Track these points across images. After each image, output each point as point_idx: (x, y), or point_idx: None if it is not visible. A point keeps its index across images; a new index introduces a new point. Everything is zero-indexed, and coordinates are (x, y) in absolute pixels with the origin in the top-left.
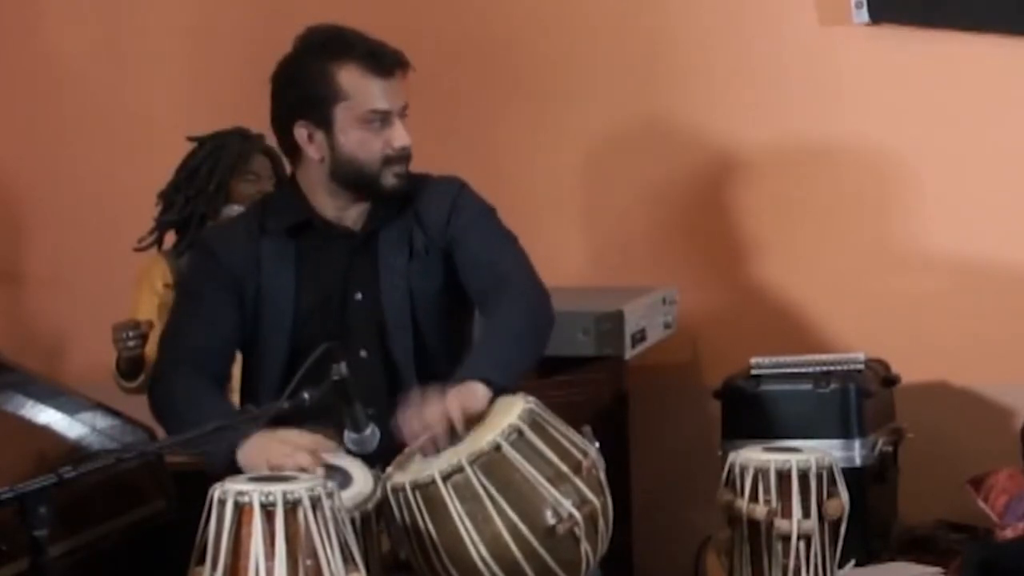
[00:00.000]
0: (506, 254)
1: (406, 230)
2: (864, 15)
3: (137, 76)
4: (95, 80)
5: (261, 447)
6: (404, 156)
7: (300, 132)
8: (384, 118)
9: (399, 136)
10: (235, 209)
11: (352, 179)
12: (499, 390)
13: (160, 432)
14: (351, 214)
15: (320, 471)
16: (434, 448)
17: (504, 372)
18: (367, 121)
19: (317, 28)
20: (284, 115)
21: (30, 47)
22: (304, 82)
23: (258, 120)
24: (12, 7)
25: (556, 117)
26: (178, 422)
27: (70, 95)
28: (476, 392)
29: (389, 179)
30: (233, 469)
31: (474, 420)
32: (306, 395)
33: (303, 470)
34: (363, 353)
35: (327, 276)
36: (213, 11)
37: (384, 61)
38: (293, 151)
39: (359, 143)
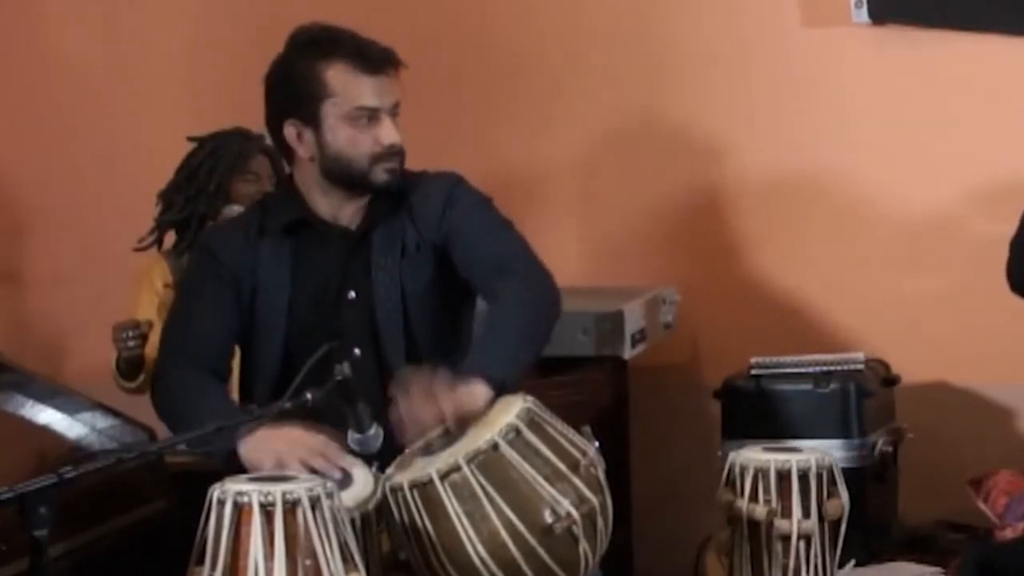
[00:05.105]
0: (505, 241)
1: (399, 228)
2: (864, 15)
3: (137, 76)
4: (95, 80)
5: (268, 444)
6: (394, 153)
7: (289, 131)
8: (372, 115)
9: (387, 133)
10: (235, 209)
11: (343, 177)
12: (501, 386)
13: (161, 432)
14: (346, 212)
15: (337, 473)
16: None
17: (507, 367)
18: (355, 118)
19: (307, 27)
20: (274, 115)
21: (30, 47)
22: (292, 81)
23: (258, 120)
24: (12, 7)
25: (557, 117)
26: (178, 419)
27: (70, 95)
28: (475, 390)
29: (380, 175)
30: (232, 463)
31: (473, 418)
32: (308, 395)
33: (314, 471)
34: (357, 352)
35: (322, 275)
36: (213, 11)
37: (372, 59)
38: (287, 151)
39: (347, 140)
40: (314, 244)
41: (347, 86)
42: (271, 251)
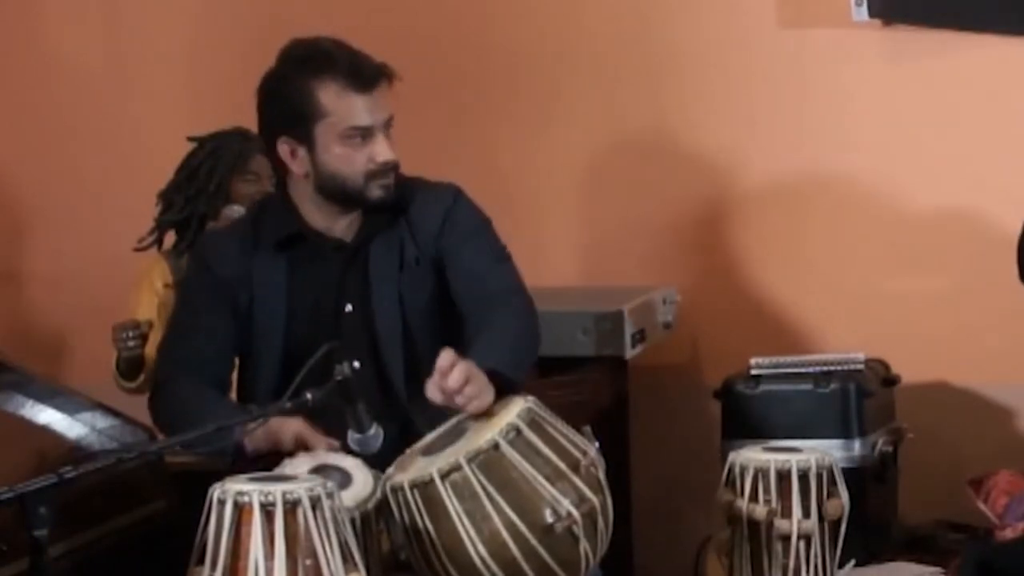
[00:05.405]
0: (498, 273)
1: (397, 240)
2: (864, 13)
3: (137, 76)
4: (95, 80)
5: (264, 430)
6: (388, 169)
7: (283, 148)
8: (366, 133)
9: (381, 151)
10: (235, 209)
11: (337, 193)
12: (505, 384)
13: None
14: (341, 225)
15: (322, 445)
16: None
17: (510, 368)
18: (348, 137)
19: (299, 42)
20: (267, 130)
21: (30, 47)
22: (284, 99)
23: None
24: (12, 7)
25: (557, 118)
26: (180, 426)
27: (70, 95)
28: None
29: (374, 192)
30: (237, 462)
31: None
32: (308, 395)
33: (304, 445)
34: (356, 364)
35: (318, 288)
36: (213, 11)
37: (364, 76)
38: (280, 165)
39: (341, 159)
40: (309, 257)
41: (340, 106)
42: (267, 263)
